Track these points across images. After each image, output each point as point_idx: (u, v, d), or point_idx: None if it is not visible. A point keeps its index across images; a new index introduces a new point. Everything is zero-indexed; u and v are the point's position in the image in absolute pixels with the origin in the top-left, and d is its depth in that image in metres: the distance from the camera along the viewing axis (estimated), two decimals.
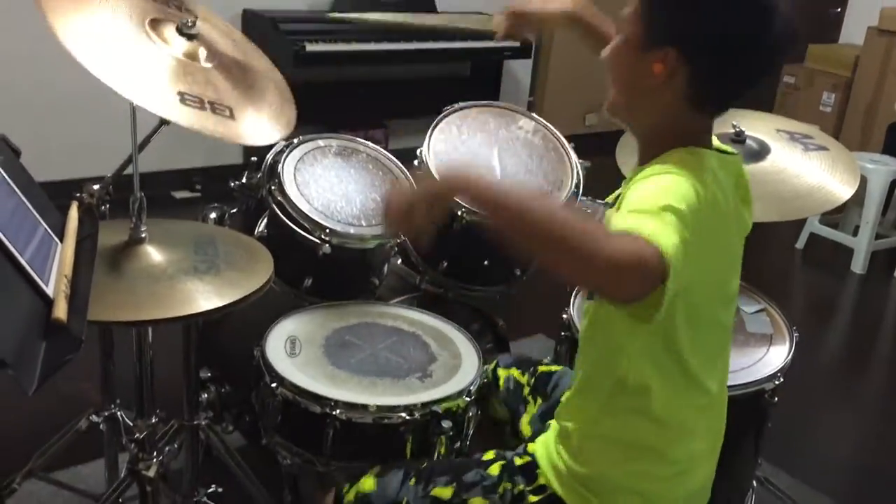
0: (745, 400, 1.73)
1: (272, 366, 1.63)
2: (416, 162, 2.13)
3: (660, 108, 1.23)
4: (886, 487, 2.59)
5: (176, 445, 1.88)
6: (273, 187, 1.91)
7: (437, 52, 4.35)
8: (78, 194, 1.47)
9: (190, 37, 1.63)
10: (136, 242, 1.53)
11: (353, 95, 4.47)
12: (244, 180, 2.03)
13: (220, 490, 1.90)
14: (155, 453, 1.64)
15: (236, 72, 1.72)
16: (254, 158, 2.03)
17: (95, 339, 1.93)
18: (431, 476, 1.41)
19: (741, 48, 1.16)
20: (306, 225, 1.88)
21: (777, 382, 1.79)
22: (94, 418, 2.00)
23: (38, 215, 1.22)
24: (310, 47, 3.93)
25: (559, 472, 1.36)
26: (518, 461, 1.42)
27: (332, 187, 1.98)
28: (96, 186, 1.53)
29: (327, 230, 1.88)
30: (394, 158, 2.13)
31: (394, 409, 1.57)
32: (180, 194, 4.21)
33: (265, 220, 1.95)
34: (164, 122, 1.66)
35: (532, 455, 1.42)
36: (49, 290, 1.05)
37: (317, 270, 1.93)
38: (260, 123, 1.67)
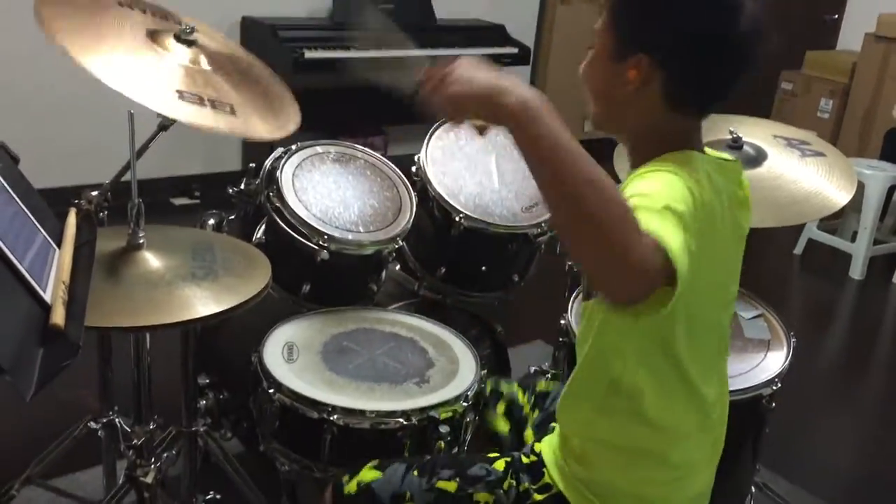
0: (743, 405, 1.73)
1: (269, 372, 1.64)
2: (413, 168, 2.13)
3: (641, 114, 1.25)
4: (885, 492, 2.58)
5: (174, 452, 1.87)
6: (271, 193, 1.92)
7: (436, 59, 4.35)
8: (76, 201, 1.48)
9: (189, 43, 1.65)
10: (134, 248, 1.53)
11: (352, 102, 4.47)
12: (242, 187, 2.03)
13: (218, 496, 1.90)
14: (153, 460, 1.64)
15: (236, 76, 1.74)
16: (252, 165, 2.04)
17: (93, 346, 1.93)
18: (435, 469, 1.41)
19: (709, 48, 1.18)
20: (304, 231, 1.88)
21: (775, 388, 1.79)
22: (93, 425, 2.00)
23: (36, 222, 1.22)
24: (309, 54, 3.95)
25: (564, 473, 1.36)
26: (525, 460, 1.42)
27: (331, 193, 1.98)
28: (94, 193, 1.54)
29: (325, 236, 1.88)
30: (392, 165, 2.14)
31: (391, 414, 1.57)
32: (179, 201, 4.22)
33: (263, 227, 1.96)
34: (162, 128, 1.68)
35: (538, 454, 1.42)
36: (47, 297, 1.06)
37: (315, 276, 1.93)
38: (263, 119, 1.68)
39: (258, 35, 4.06)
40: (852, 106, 4.96)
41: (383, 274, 2.08)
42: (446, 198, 2.08)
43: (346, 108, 4.43)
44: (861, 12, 5.31)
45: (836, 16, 5.67)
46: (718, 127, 2.00)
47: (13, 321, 0.98)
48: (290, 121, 1.77)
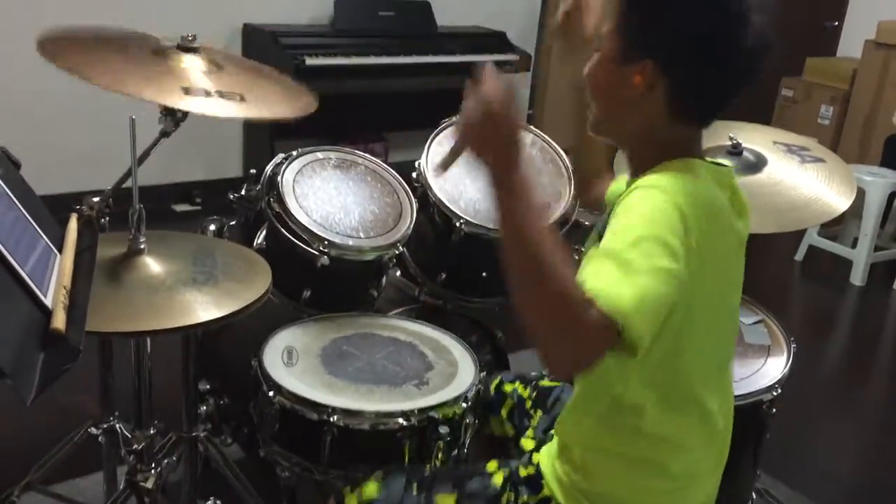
0: (744, 411, 1.73)
1: (269, 375, 1.64)
2: (414, 174, 2.14)
3: (643, 120, 1.25)
4: (886, 499, 2.58)
5: (174, 457, 1.88)
6: (272, 199, 1.92)
7: (436, 66, 4.37)
8: (77, 207, 1.48)
9: (192, 50, 1.66)
10: (134, 254, 1.53)
11: (353, 109, 4.49)
12: (243, 192, 2.04)
13: (218, 502, 1.90)
14: (153, 465, 1.65)
15: (243, 72, 1.77)
16: (253, 171, 2.04)
17: (94, 352, 1.93)
18: (434, 484, 1.41)
19: (716, 58, 1.19)
20: (305, 237, 1.88)
21: (775, 393, 1.79)
22: (93, 430, 2.00)
23: (38, 227, 1.22)
24: (310, 61, 3.96)
25: (563, 484, 1.36)
26: (523, 472, 1.42)
27: (331, 199, 1.99)
28: (96, 199, 1.54)
29: (326, 242, 1.88)
30: (392, 171, 2.14)
31: (391, 414, 1.57)
32: (180, 207, 4.22)
33: (264, 232, 1.96)
34: (164, 134, 1.68)
35: (537, 465, 1.42)
36: (48, 301, 1.06)
37: (315, 282, 1.93)
38: (278, 102, 1.72)
39: (260, 42, 4.08)
40: (853, 113, 4.97)
41: (384, 280, 2.09)
42: (447, 203, 2.08)
43: (347, 114, 4.45)
44: (861, 19, 5.33)
45: (837, 23, 5.68)
46: (718, 133, 2.01)
47: (14, 325, 0.98)
48: (307, 102, 1.78)
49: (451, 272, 2.14)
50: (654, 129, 1.25)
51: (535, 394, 1.68)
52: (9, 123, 3.57)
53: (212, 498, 1.90)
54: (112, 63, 1.60)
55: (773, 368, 1.85)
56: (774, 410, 1.81)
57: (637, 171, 1.27)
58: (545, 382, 1.70)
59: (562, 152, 2.27)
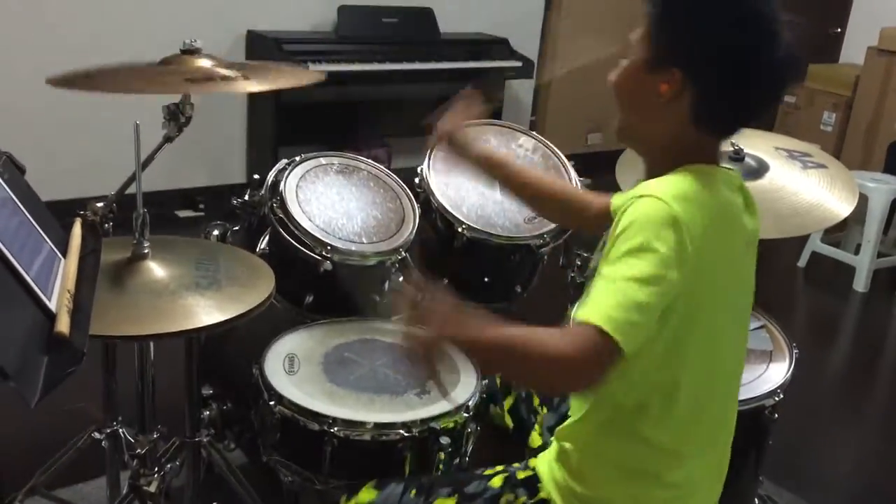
0: (746, 416, 1.73)
1: (270, 384, 1.64)
2: (416, 180, 2.14)
3: (666, 128, 1.26)
4: None
5: (177, 462, 1.88)
6: (275, 204, 1.93)
7: (439, 72, 4.38)
8: (81, 212, 1.49)
9: (194, 52, 1.67)
10: (138, 258, 1.54)
11: (356, 115, 4.50)
12: (246, 198, 2.04)
13: None
14: (156, 470, 1.64)
15: (247, 66, 1.78)
16: (256, 176, 2.05)
17: (98, 357, 1.94)
18: (433, 487, 1.42)
19: (744, 72, 1.20)
20: (308, 242, 1.89)
21: (777, 399, 1.79)
22: (96, 435, 2.01)
23: (42, 232, 1.23)
24: (313, 68, 3.96)
25: (560, 489, 1.36)
26: (521, 475, 1.42)
27: (334, 205, 2.00)
28: (100, 204, 1.55)
29: (328, 247, 1.89)
30: (395, 176, 2.15)
31: (392, 426, 1.57)
32: (184, 213, 4.23)
33: (267, 237, 1.96)
34: (167, 139, 1.69)
35: (534, 469, 1.42)
36: (52, 305, 1.07)
37: (318, 287, 1.94)
38: (285, 76, 1.79)
39: (263, 49, 4.09)
40: (855, 119, 4.97)
41: (386, 285, 2.09)
42: (449, 209, 2.09)
43: (350, 120, 4.46)
44: (864, 26, 5.33)
45: (839, 29, 5.69)
46: None
47: (18, 329, 0.99)
48: (313, 76, 1.84)
49: (454, 277, 2.14)
50: (675, 138, 1.26)
51: None
52: (13, 129, 3.58)
53: (215, 503, 1.90)
54: (116, 71, 1.62)
55: (775, 374, 1.85)
56: (776, 416, 1.81)
57: (653, 174, 1.28)
58: None
59: (563, 157, 2.28)
